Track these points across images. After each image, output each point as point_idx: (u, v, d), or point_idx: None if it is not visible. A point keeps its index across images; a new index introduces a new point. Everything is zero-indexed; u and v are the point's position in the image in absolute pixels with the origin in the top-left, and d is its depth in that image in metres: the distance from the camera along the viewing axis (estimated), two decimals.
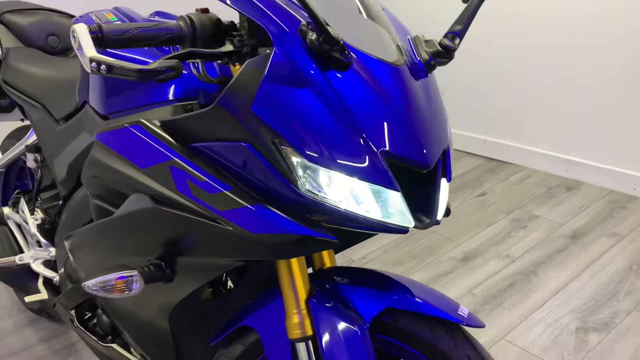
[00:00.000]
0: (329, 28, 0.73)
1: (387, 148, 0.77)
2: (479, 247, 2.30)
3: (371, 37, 0.84)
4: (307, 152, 0.76)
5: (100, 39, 0.78)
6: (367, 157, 0.76)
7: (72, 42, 0.77)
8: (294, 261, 0.94)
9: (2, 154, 2.01)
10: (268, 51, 0.83)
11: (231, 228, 0.80)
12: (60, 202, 1.54)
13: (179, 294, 1.00)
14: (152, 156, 0.87)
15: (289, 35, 0.77)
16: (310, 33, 0.75)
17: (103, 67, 0.74)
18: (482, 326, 0.94)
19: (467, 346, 0.93)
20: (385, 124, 0.78)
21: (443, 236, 2.36)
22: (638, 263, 2.13)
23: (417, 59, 0.87)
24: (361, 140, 0.76)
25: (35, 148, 1.60)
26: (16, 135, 1.90)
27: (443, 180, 0.85)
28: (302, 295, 0.94)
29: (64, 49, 1.74)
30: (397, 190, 0.77)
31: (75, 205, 1.36)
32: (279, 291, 0.99)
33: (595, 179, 2.76)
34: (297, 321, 0.93)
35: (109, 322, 1.29)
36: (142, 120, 0.90)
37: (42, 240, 1.53)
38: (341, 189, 0.77)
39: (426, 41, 0.90)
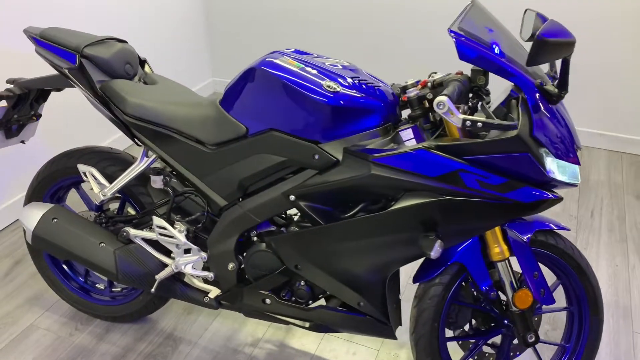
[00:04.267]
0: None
1: (576, 143, 1.43)
2: None
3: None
4: (553, 151, 1.37)
5: (452, 102, 1.26)
6: (572, 151, 1.41)
7: (438, 108, 1.23)
8: None
9: (40, 179, 2.00)
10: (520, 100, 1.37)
11: (511, 202, 1.38)
12: (205, 212, 1.80)
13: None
14: (442, 167, 1.37)
15: (532, 88, 1.35)
16: (547, 86, 1.35)
17: (479, 124, 1.23)
18: (569, 230, 1.69)
19: (568, 242, 1.68)
20: (573, 131, 1.44)
21: None
22: None
23: None
24: (570, 142, 1.41)
25: (160, 171, 1.79)
26: (66, 157, 1.94)
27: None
28: (499, 234, 1.56)
29: (134, 75, 1.89)
30: (579, 165, 1.45)
31: (237, 213, 1.67)
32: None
33: None
34: (499, 250, 1.56)
35: (309, 291, 1.70)
36: (423, 146, 1.38)
37: (194, 247, 1.78)
38: (560, 169, 1.41)
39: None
